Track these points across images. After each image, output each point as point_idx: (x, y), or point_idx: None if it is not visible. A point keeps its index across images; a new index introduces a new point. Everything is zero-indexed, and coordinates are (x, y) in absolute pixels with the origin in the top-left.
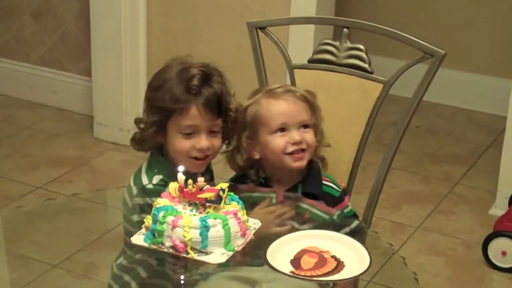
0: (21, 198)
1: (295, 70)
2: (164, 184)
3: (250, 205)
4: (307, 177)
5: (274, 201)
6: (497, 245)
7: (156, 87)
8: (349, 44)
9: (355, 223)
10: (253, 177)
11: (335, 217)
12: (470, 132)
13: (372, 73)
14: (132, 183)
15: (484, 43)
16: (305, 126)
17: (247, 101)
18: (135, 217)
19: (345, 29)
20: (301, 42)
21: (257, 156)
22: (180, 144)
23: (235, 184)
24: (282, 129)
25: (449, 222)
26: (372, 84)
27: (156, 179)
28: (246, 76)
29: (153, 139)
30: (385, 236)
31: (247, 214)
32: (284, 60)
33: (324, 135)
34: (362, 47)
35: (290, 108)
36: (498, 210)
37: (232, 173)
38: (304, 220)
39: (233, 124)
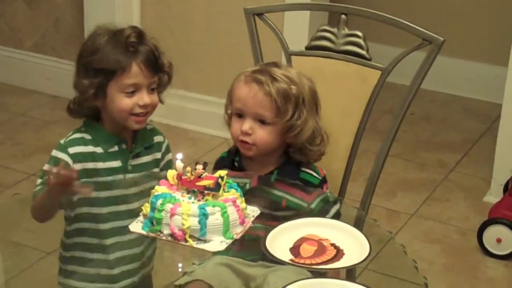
0: (15, 185)
1: (292, 57)
2: (79, 139)
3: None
4: (284, 164)
5: (248, 186)
6: (492, 233)
7: (91, 51)
8: (347, 31)
9: (334, 209)
10: (228, 161)
11: (313, 205)
12: (464, 119)
13: (370, 60)
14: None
15: (479, 30)
16: (262, 122)
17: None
18: (45, 166)
19: (343, 16)
20: (296, 29)
21: None
22: (123, 102)
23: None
24: (240, 114)
25: (444, 210)
26: (370, 71)
27: (74, 135)
28: (241, 64)
29: (91, 103)
30: (380, 224)
31: None
32: (282, 47)
33: (323, 140)
34: (360, 33)
35: (248, 98)
36: (492, 197)
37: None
38: (280, 208)
39: (168, 80)
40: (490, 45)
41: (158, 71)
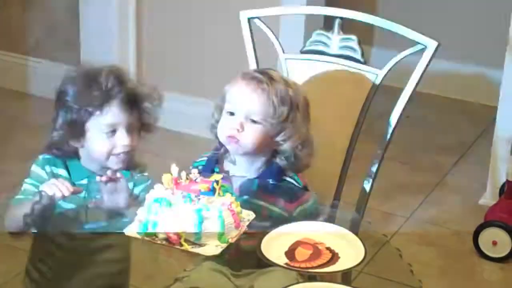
0: (12, 189)
1: (288, 61)
2: (48, 160)
3: None
4: (265, 172)
5: None
6: (488, 235)
7: (67, 94)
8: (342, 35)
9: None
10: (208, 170)
11: (294, 214)
12: (460, 122)
13: (365, 63)
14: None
15: (474, 33)
16: (253, 121)
17: None
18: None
19: (338, 20)
20: (292, 33)
21: None
22: (102, 143)
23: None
24: (232, 112)
25: (439, 212)
26: (365, 75)
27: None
28: (237, 67)
29: (70, 142)
30: (375, 227)
31: None
32: (277, 51)
33: (311, 145)
34: (354, 37)
35: (245, 94)
36: (488, 200)
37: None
38: (261, 219)
39: (151, 117)
40: (485, 48)
41: (138, 111)
